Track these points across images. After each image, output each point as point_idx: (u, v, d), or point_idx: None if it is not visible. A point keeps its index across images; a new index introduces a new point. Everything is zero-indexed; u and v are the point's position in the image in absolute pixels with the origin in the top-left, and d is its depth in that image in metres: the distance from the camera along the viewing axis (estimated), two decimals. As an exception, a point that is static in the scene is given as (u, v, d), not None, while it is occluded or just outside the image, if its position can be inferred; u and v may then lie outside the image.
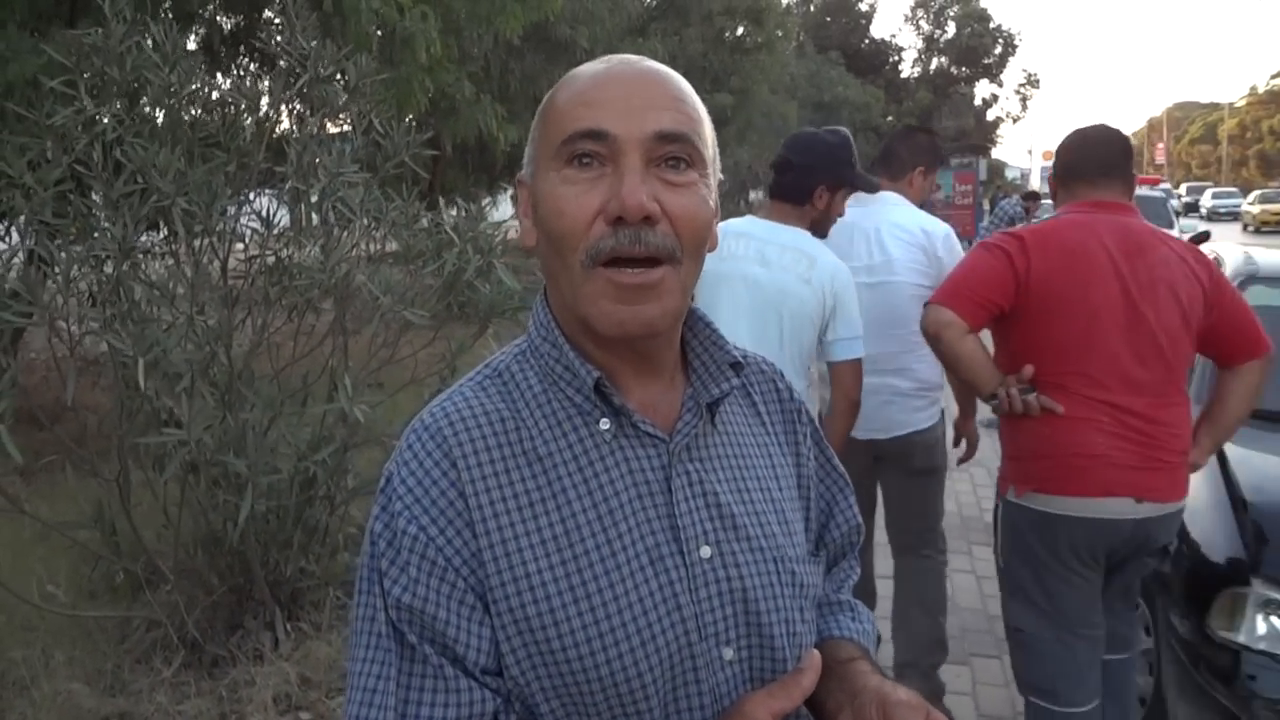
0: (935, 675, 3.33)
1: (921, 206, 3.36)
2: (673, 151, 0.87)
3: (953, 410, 3.34)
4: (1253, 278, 4.01)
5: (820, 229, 2.80)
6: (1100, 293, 2.34)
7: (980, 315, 2.42)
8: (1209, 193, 46.84)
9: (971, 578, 4.52)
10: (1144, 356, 2.33)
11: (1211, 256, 4.53)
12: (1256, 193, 38.66)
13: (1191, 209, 41.25)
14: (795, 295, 2.62)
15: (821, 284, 2.63)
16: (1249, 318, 2.50)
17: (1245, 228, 34.46)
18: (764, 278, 2.65)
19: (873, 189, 2.95)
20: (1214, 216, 40.88)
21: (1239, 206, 40.25)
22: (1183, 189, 40.57)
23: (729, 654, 0.92)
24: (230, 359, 3.21)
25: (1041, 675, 2.51)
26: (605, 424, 0.91)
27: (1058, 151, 2.64)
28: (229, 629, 3.46)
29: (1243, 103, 69.64)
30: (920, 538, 3.42)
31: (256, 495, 3.04)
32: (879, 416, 3.11)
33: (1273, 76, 66.60)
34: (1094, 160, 2.53)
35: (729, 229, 2.75)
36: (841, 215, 2.87)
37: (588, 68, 0.93)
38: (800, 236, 2.73)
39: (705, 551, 0.92)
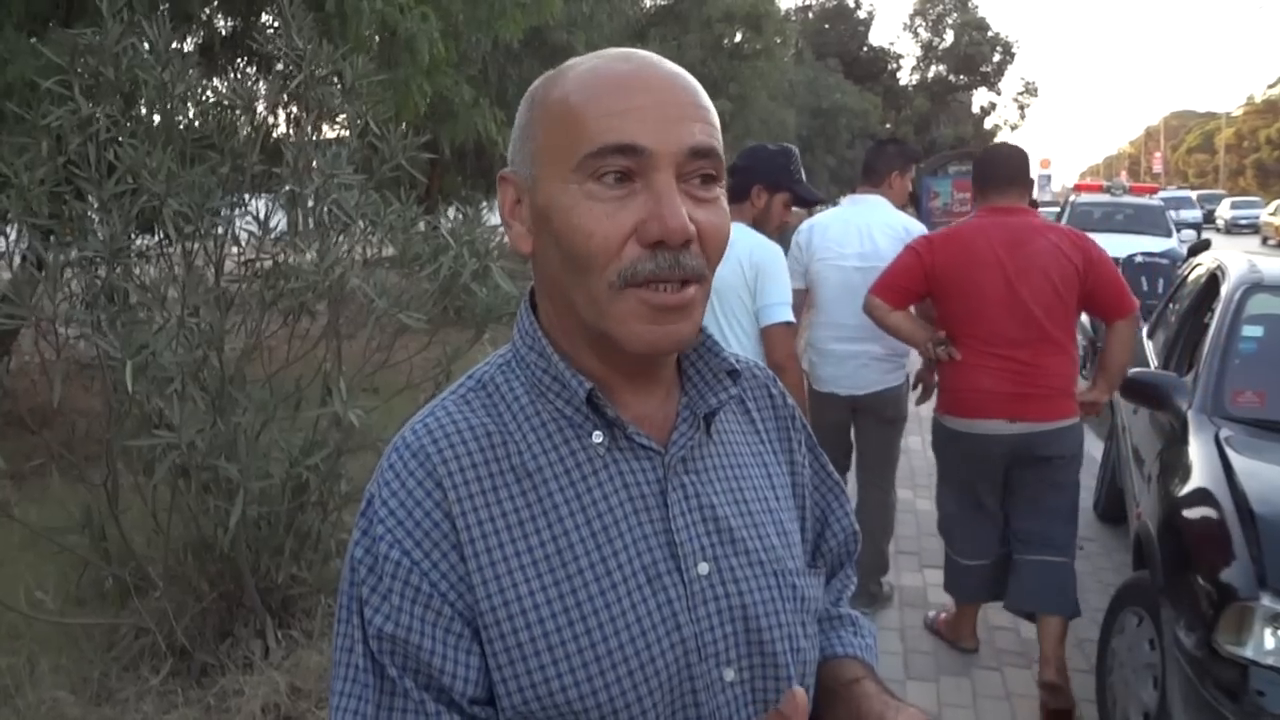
0: (879, 589, 4.17)
1: (919, 214, 4.18)
2: (703, 167, 0.82)
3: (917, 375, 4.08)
4: (1257, 286, 3.98)
5: (763, 228, 3.28)
6: (984, 276, 3.26)
7: (899, 298, 3.43)
8: (1226, 203, 41.95)
9: (971, 588, 4.46)
10: (1020, 321, 3.23)
11: (1214, 265, 4.52)
12: (1278, 202, 34.70)
13: (1206, 220, 35.56)
14: (725, 280, 2.95)
15: (738, 259, 3.03)
16: (1118, 286, 3.32)
17: (1265, 240, 31.60)
18: (729, 272, 3.02)
19: (812, 199, 3.66)
20: (1233, 229, 37.25)
21: (1260, 217, 36.07)
22: (1193, 197, 35.96)
23: (730, 675, 0.88)
24: (222, 362, 3.16)
25: (946, 528, 3.74)
26: (598, 436, 0.87)
27: (974, 165, 3.55)
28: (219, 637, 3.41)
29: (1240, 112, 69.87)
30: (881, 475, 4.21)
31: (248, 501, 2.99)
32: (859, 376, 3.93)
33: (1270, 86, 66.75)
34: (999, 174, 3.40)
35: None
36: (787, 222, 3.50)
37: (603, 63, 0.85)
38: (746, 234, 3.16)
39: (704, 568, 0.87)
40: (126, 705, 3.05)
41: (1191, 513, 2.95)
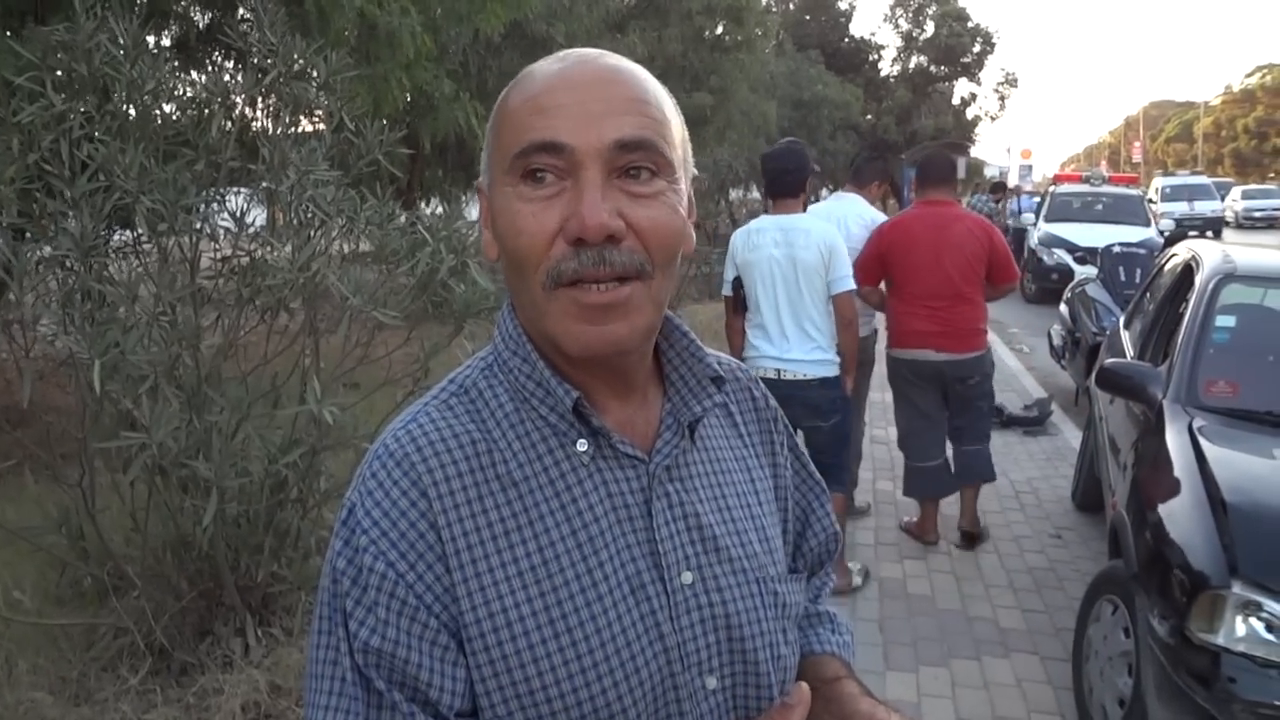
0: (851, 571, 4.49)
1: (900, 202, 6.75)
2: (635, 161, 0.80)
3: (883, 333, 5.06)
4: (1230, 276, 4.02)
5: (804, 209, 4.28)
6: (918, 252, 4.55)
7: (867, 277, 4.61)
8: (1237, 191, 35.02)
9: (951, 578, 4.50)
10: (942, 282, 4.51)
11: (1189, 256, 4.55)
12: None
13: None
14: (802, 260, 4.00)
15: (817, 245, 4.00)
16: (1009, 261, 4.69)
17: None
18: (778, 254, 4.03)
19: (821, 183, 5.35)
20: (1247, 223, 31.58)
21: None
22: (1209, 184, 30.51)
23: (712, 683, 0.88)
24: (198, 360, 3.14)
25: (904, 442, 4.92)
26: (583, 445, 0.86)
27: (917, 167, 4.97)
28: (198, 635, 3.39)
29: (1218, 101, 70.28)
30: (856, 406, 4.97)
31: (225, 499, 2.97)
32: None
33: (1247, 76, 67.18)
34: (933, 176, 4.78)
35: (755, 227, 4.19)
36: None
37: (542, 66, 0.85)
38: (799, 218, 4.12)
39: (687, 577, 0.87)
40: (105, 705, 3.04)
41: (1164, 502, 2.98)
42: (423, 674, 0.79)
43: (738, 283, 4.21)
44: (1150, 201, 22.18)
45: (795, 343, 3.99)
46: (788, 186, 4.12)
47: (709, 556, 0.89)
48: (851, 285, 4.07)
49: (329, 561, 0.84)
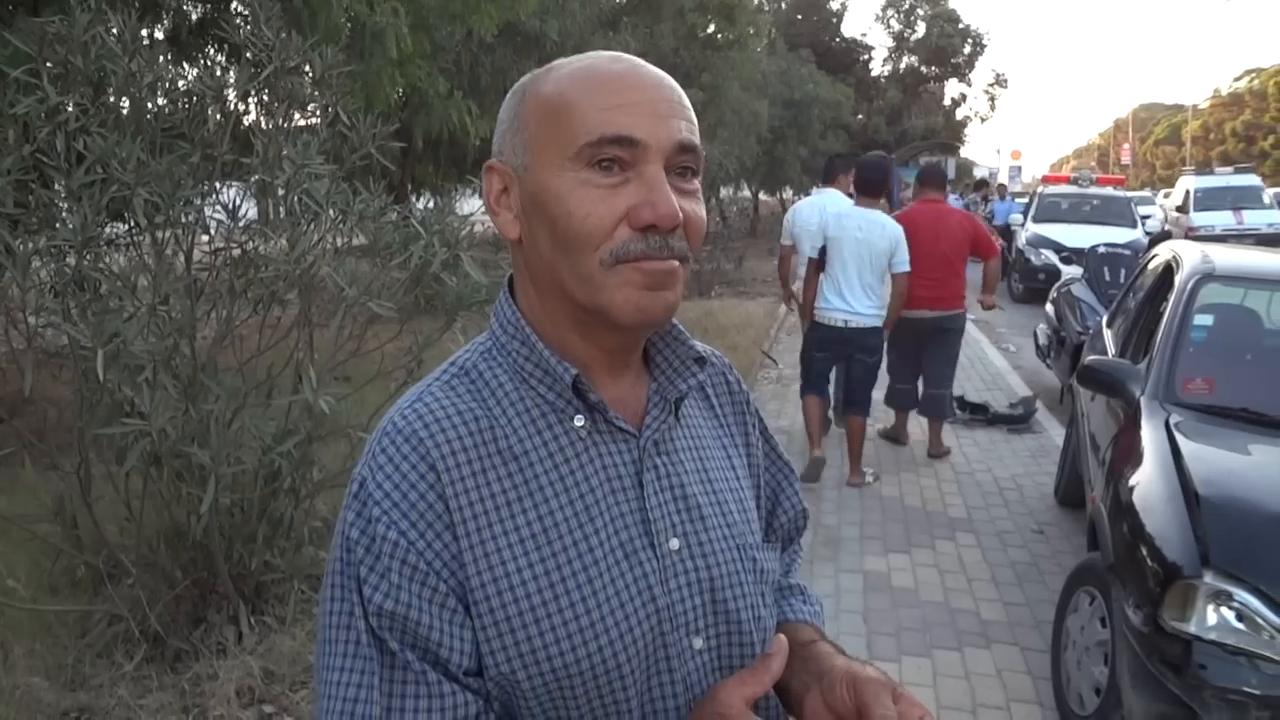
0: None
1: (890, 201, 6.60)
2: (686, 161, 0.89)
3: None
4: (1209, 276, 4.09)
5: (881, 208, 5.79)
6: (921, 237, 5.72)
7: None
8: (1268, 194, 24.45)
9: (934, 571, 4.57)
10: (938, 261, 5.86)
11: (1170, 256, 4.63)
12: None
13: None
14: (875, 245, 5.43)
15: (886, 238, 5.46)
16: (989, 242, 6.21)
17: None
18: (860, 236, 5.44)
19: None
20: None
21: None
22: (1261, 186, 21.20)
23: (699, 643, 0.94)
24: (194, 350, 3.18)
25: (891, 368, 6.27)
26: (580, 420, 0.92)
27: (918, 173, 6.67)
28: (192, 623, 3.44)
29: (1206, 104, 70.62)
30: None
31: (220, 488, 3.01)
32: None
33: (1235, 79, 67.59)
34: (930, 181, 6.32)
35: (843, 214, 5.63)
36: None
37: (595, 63, 0.91)
38: (878, 214, 5.60)
39: (674, 544, 0.94)
40: (101, 691, 3.08)
41: (1140, 494, 3.05)
42: (433, 635, 0.85)
43: (822, 251, 5.59)
44: (1180, 213, 19.54)
45: (859, 302, 5.48)
46: (874, 187, 5.66)
47: (694, 525, 0.96)
48: (908, 268, 5.52)
49: (340, 533, 0.89)
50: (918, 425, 6.71)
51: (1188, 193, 20.55)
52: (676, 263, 0.88)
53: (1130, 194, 19.28)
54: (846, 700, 0.88)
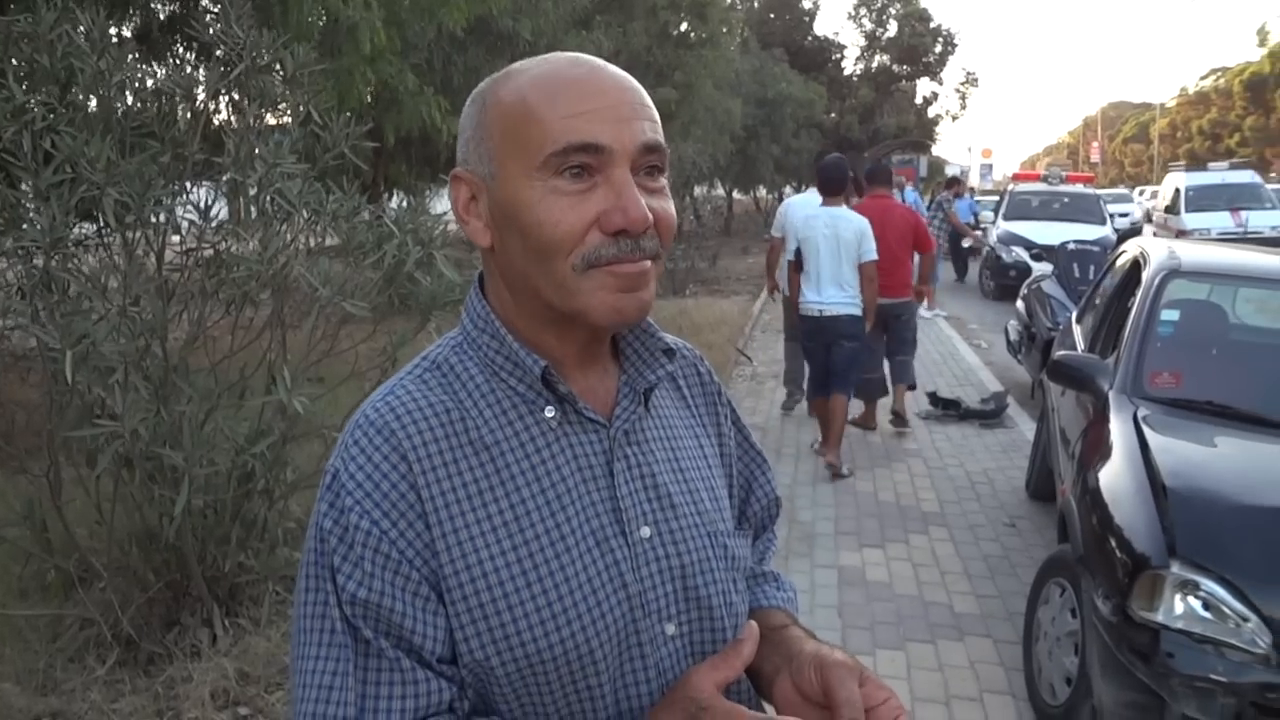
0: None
1: (862, 197, 7.21)
2: (652, 161, 0.90)
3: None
4: (1175, 272, 4.15)
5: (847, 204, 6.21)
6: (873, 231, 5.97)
7: None
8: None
9: (908, 565, 4.61)
10: (884, 252, 6.03)
11: (1138, 252, 4.69)
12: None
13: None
14: (846, 238, 5.79)
15: (853, 230, 5.82)
16: (927, 236, 6.94)
17: None
18: (828, 233, 5.83)
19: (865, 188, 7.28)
20: None
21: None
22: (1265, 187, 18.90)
23: (671, 629, 0.96)
24: (165, 351, 3.16)
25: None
26: (550, 412, 0.94)
27: (866, 172, 7.24)
28: (165, 626, 3.41)
29: (1173, 103, 71.48)
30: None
31: (193, 489, 2.99)
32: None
33: (1202, 78, 68.53)
34: (878, 179, 7.06)
35: (812, 214, 6.03)
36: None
37: (555, 68, 0.91)
38: (842, 210, 5.96)
39: (645, 531, 0.95)
40: (73, 695, 3.05)
41: (1109, 487, 3.09)
42: (406, 622, 0.86)
43: (798, 252, 6.04)
44: (1169, 214, 17.61)
45: (832, 293, 5.84)
46: (835, 186, 6.02)
47: (665, 513, 0.97)
48: (874, 256, 5.84)
49: (314, 524, 0.90)
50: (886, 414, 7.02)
51: (1178, 191, 18.41)
52: (649, 262, 0.89)
53: (1100, 191, 19.33)
54: (814, 683, 0.90)
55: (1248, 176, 18.94)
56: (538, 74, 0.91)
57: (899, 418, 7.02)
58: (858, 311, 5.85)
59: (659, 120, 0.93)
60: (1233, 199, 17.54)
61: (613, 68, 0.92)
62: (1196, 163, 22.80)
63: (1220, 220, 16.65)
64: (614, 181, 0.87)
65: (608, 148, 0.86)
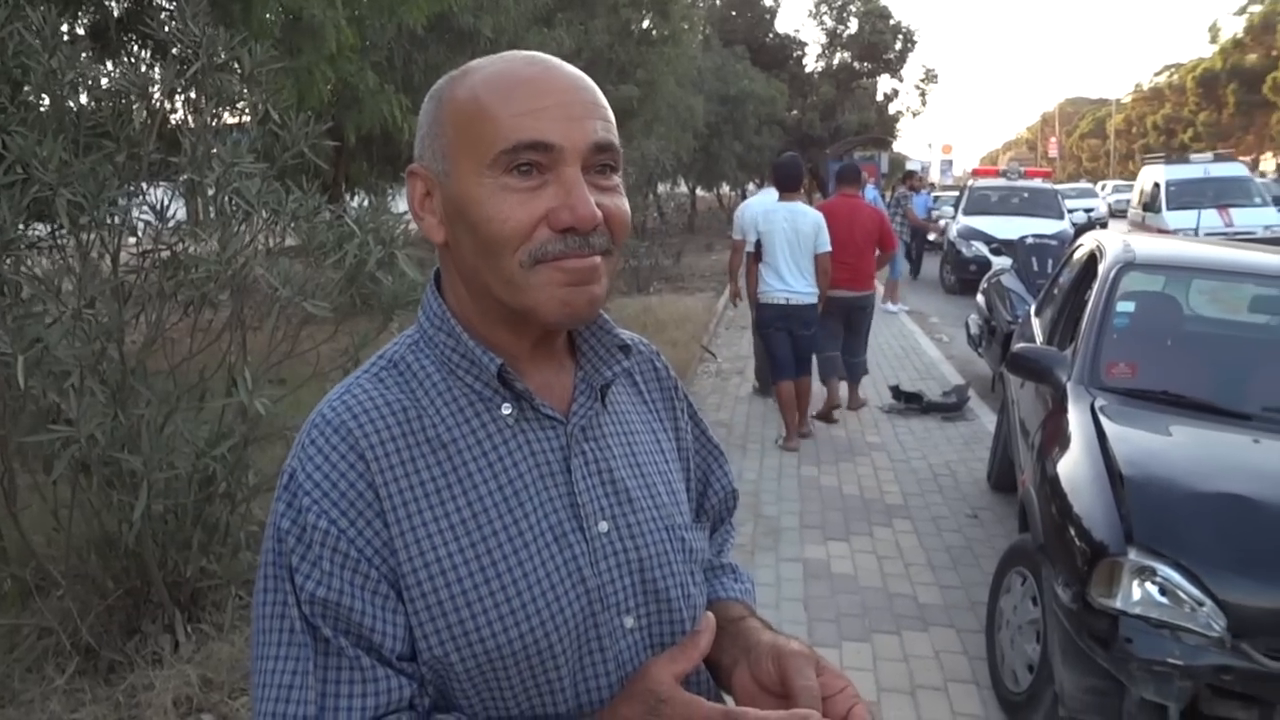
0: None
1: (824, 194, 7.89)
2: (604, 160, 0.91)
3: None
4: (1130, 265, 4.22)
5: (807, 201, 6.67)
6: (838, 226, 6.58)
7: None
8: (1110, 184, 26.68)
9: (873, 558, 4.65)
10: (852, 248, 6.80)
11: (1094, 245, 4.77)
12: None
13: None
14: (804, 231, 6.26)
15: (810, 223, 6.30)
16: (891, 235, 7.39)
17: None
18: (787, 226, 6.28)
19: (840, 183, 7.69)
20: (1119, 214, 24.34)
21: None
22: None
23: (630, 622, 0.97)
24: (122, 355, 3.11)
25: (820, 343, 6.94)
26: (507, 409, 0.94)
27: (837, 171, 7.74)
28: (126, 633, 3.36)
29: (1129, 99, 72.63)
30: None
31: (153, 494, 2.95)
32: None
33: (1156, 74, 69.60)
34: (847, 179, 7.46)
35: (771, 208, 6.44)
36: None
37: (508, 66, 0.92)
38: (799, 205, 6.43)
39: (603, 526, 0.96)
40: (32, 706, 3.00)
41: (1067, 476, 3.14)
42: (365, 620, 0.87)
43: (758, 244, 6.43)
44: (1148, 211, 16.46)
45: (795, 282, 6.30)
46: (792, 183, 6.50)
47: (623, 507, 0.98)
48: (829, 248, 6.35)
49: (271, 524, 0.90)
50: (854, 417, 7.02)
51: (1157, 186, 16.85)
52: (598, 258, 0.90)
53: (1063, 186, 19.47)
54: (772, 674, 0.92)
55: (1235, 169, 17.41)
56: (492, 72, 0.91)
57: (854, 409, 7.47)
58: (815, 300, 6.37)
59: (613, 120, 0.93)
60: (1219, 194, 15.86)
61: (567, 67, 0.93)
62: (1157, 156, 19.93)
63: (1207, 219, 14.74)
64: (564, 179, 0.88)
65: (557, 146, 0.87)
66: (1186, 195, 16.00)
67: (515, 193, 0.87)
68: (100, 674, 3.22)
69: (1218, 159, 18.08)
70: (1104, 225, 15.63)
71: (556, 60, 0.94)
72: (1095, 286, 4.18)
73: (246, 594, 3.55)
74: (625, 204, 0.94)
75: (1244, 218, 15.27)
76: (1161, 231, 15.04)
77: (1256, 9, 46.71)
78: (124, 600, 3.40)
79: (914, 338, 10.86)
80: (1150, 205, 16.88)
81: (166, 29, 3.52)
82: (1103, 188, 36.86)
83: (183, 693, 3.04)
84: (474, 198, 0.89)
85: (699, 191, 30.76)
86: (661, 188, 19.67)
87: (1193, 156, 18.93)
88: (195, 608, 3.49)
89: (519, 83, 0.89)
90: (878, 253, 7.25)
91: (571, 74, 0.92)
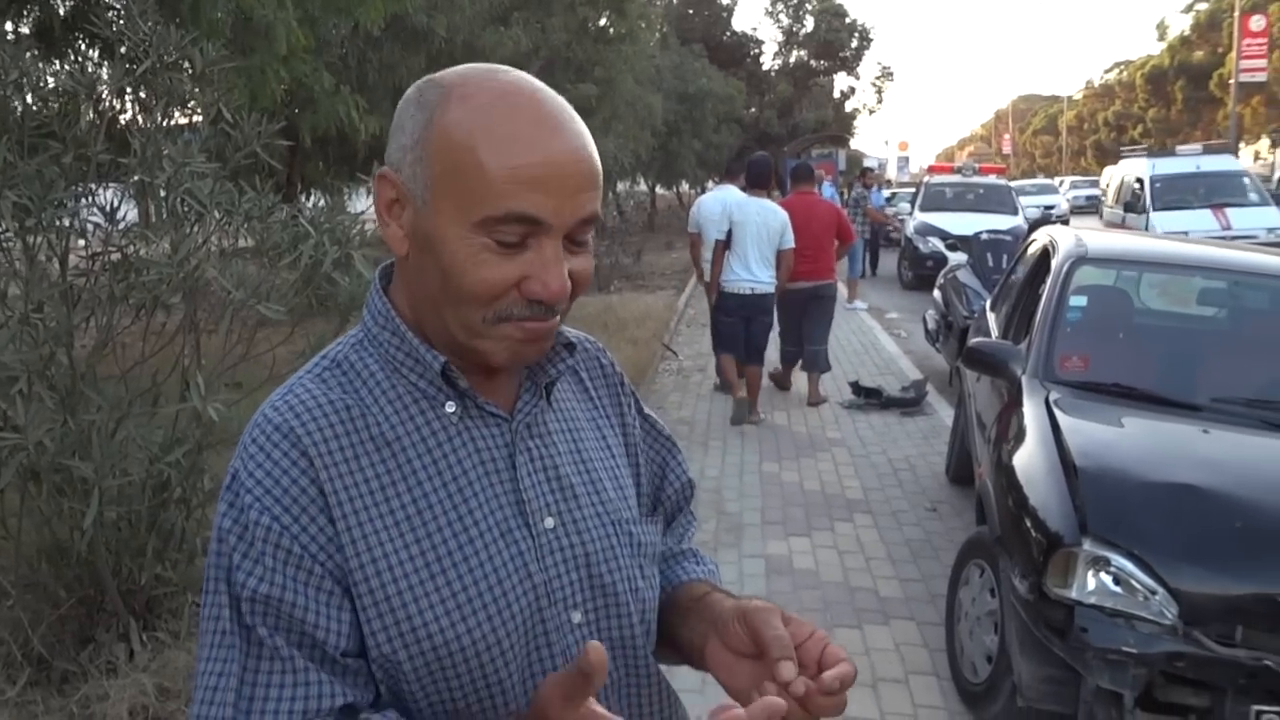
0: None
1: (783, 191, 8.14)
2: (587, 230, 0.91)
3: None
4: (1082, 259, 4.29)
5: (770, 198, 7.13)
6: (798, 220, 6.97)
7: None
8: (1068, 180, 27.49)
9: (834, 553, 4.69)
10: (810, 241, 7.15)
11: (1047, 240, 4.84)
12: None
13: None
14: (771, 227, 6.73)
15: (778, 222, 6.77)
16: (848, 229, 7.79)
17: None
18: (759, 220, 6.74)
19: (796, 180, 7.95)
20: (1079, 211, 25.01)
21: None
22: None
23: (577, 617, 0.97)
24: (71, 359, 3.06)
25: (781, 334, 7.64)
26: (451, 407, 0.94)
27: (792, 170, 8.06)
28: (79, 643, 3.30)
29: (1080, 96, 73.81)
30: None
31: (105, 501, 2.90)
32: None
33: (1106, 71, 70.77)
34: (802, 176, 7.80)
35: (743, 203, 6.93)
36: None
37: (511, 109, 0.87)
38: (768, 202, 6.96)
39: (549, 522, 0.97)
40: (-19, 718, 2.94)
41: (1023, 468, 3.18)
42: (309, 617, 0.86)
43: (728, 234, 6.83)
44: (1130, 212, 14.67)
45: (760, 273, 6.79)
46: (762, 180, 7.11)
47: (568, 504, 0.99)
48: (792, 245, 6.82)
49: (215, 526, 0.89)
50: (813, 413, 7.04)
51: (1142, 183, 14.92)
52: (557, 318, 0.92)
53: (1023, 182, 19.44)
54: (741, 634, 0.92)
55: (1228, 163, 15.50)
56: (490, 103, 0.87)
57: (814, 404, 7.67)
58: (773, 290, 6.89)
59: (601, 182, 0.91)
60: (1212, 192, 14.12)
61: (571, 123, 0.89)
62: (1138, 148, 18.58)
63: (1201, 220, 12.88)
64: (543, 251, 0.87)
65: (546, 223, 0.86)
66: (1175, 193, 14.29)
67: (494, 254, 0.86)
68: (53, 684, 3.15)
69: (1209, 151, 15.77)
70: (1065, 223, 14.60)
71: (560, 106, 0.89)
72: (1049, 281, 4.25)
73: (202, 601, 3.50)
74: (590, 262, 0.94)
75: (1242, 219, 13.31)
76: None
77: (1203, 7, 47.68)
78: (77, 609, 3.34)
79: (873, 333, 10.96)
80: (1133, 204, 14.85)
81: (114, 27, 3.46)
82: (1061, 184, 36.82)
83: (138, 702, 2.99)
84: (451, 249, 0.87)
85: (659, 189, 30.80)
86: (621, 186, 19.66)
87: (1180, 148, 16.88)
88: (151, 615, 3.43)
89: (521, 139, 0.85)
90: (837, 244, 7.62)
91: (575, 136, 0.88)
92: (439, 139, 0.87)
